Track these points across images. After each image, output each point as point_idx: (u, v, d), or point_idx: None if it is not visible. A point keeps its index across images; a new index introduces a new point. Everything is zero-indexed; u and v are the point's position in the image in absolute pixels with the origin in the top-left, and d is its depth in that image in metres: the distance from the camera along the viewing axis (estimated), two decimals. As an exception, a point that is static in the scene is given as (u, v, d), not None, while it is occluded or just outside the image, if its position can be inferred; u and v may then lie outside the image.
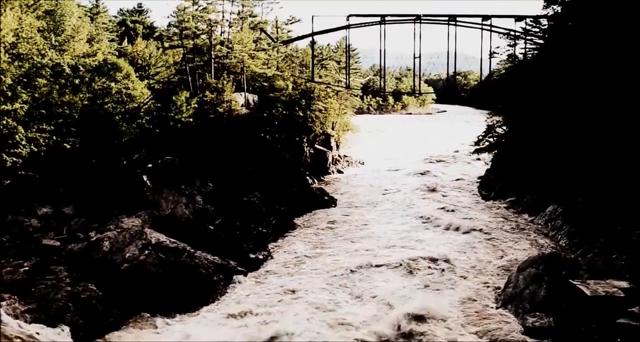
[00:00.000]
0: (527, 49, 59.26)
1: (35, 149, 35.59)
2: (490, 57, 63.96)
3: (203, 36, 58.04)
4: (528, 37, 57.91)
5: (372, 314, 27.20)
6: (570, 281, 24.86)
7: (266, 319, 26.50)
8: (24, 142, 34.85)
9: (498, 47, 62.52)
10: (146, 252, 28.96)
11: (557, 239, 38.32)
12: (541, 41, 55.92)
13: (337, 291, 30.31)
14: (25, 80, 36.40)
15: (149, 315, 26.20)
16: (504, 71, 68.10)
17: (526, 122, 49.82)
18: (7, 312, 22.87)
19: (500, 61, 70.28)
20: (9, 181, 34.62)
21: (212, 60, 56.66)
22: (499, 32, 61.31)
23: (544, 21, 55.25)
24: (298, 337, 24.49)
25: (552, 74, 44.88)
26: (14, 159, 34.45)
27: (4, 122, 33.89)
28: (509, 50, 63.15)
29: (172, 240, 30.75)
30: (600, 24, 38.55)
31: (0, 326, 20.63)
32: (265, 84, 64.44)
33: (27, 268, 27.01)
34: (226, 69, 58.77)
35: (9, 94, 34.49)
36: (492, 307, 27.82)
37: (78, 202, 35.44)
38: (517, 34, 59.30)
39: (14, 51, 36.41)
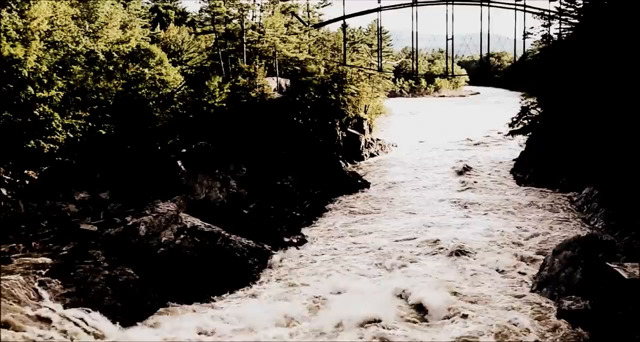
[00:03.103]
0: (561, 29, 58.44)
1: (72, 136, 36.07)
2: (524, 38, 63.16)
3: (235, 21, 58.04)
4: (563, 17, 57.05)
5: (407, 291, 27.33)
6: (607, 263, 24.56)
7: (302, 300, 26.80)
8: (60, 129, 35.35)
9: (532, 28, 61.09)
10: (182, 236, 29.24)
11: (593, 222, 37.91)
12: (576, 21, 55.06)
13: (372, 270, 30.71)
14: (60, 67, 36.87)
15: (185, 298, 26.52)
16: (538, 52, 67.23)
17: (561, 103, 49.19)
18: (49, 295, 23.32)
19: (535, 42, 69.34)
20: (46, 167, 35.19)
21: (244, 45, 56.68)
22: (533, 12, 60.50)
23: (579, 0, 54.38)
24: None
25: (587, 54, 44.22)
26: (51, 145, 34.97)
27: (41, 109, 34.38)
28: (543, 30, 62.24)
29: (207, 224, 31.00)
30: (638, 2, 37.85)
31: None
32: (297, 68, 64.37)
33: (65, 253, 27.47)
34: (258, 54, 58.77)
35: (45, 81, 34.96)
36: (527, 290, 27.67)
37: (114, 187, 35.92)
38: (551, 13, 58.45)
39: (49, 39, 36.89)
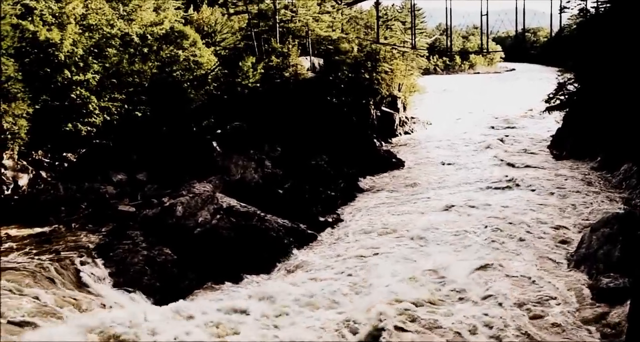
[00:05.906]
0: (599, 3, 57.32)
1: (108, 118, 36.52)
2: (560, 12, 62.21)
3: (267, 1, 57.96)
4: (600, -10, 55.96)
5: (448, 270, 27.15)
6: (646, 241, 24.27)
7: (339, 278, 26.88)
8: (97, 112, 35.80)
9: (569, 2, 59.82)
10: (218, 216, 29.49)
11: (632, 198, 37.34)
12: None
13: (407, 247, 30.64)
14: (95, 50, 37.21)
15: (222, 277, 26.78)
16: (575, 26, 66.10)
17: (599, 78, 48.36)
18: (89, 276, 23.78)
19: (571, 16, 68.20)
20: (84, 150, 35.71)
21: (277, 25, 56.59)
22: (570, -14, 59.40)
23: (618, -28, 53.22)
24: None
25: (626, 28, 43.36)
26: (89, 128, 35.47)
27: (78, 92, 34.84)
28: (580, 4, 61.23)
29: (243, 204, 31.21)
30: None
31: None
32: (330, 47, 64.15)
33: (104, 233, 27.95)
34: (291, 33, 58.65)
35: (81, 64, 35.39)
36: (564, 267, 27.42)
37: (151, 168, 36.33)
38: (588, -13, 57.35)
39: (84, 22, 37.23)
